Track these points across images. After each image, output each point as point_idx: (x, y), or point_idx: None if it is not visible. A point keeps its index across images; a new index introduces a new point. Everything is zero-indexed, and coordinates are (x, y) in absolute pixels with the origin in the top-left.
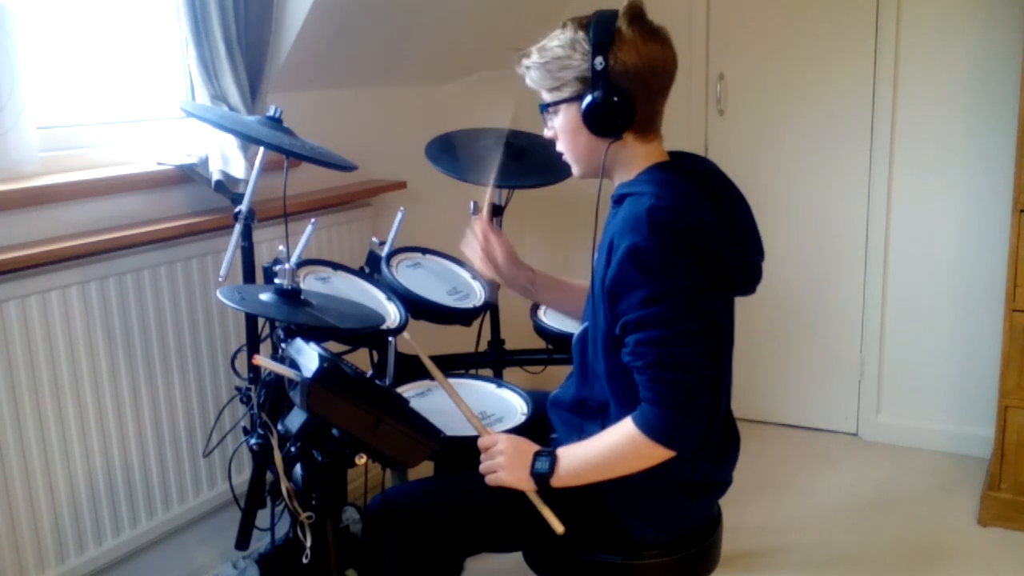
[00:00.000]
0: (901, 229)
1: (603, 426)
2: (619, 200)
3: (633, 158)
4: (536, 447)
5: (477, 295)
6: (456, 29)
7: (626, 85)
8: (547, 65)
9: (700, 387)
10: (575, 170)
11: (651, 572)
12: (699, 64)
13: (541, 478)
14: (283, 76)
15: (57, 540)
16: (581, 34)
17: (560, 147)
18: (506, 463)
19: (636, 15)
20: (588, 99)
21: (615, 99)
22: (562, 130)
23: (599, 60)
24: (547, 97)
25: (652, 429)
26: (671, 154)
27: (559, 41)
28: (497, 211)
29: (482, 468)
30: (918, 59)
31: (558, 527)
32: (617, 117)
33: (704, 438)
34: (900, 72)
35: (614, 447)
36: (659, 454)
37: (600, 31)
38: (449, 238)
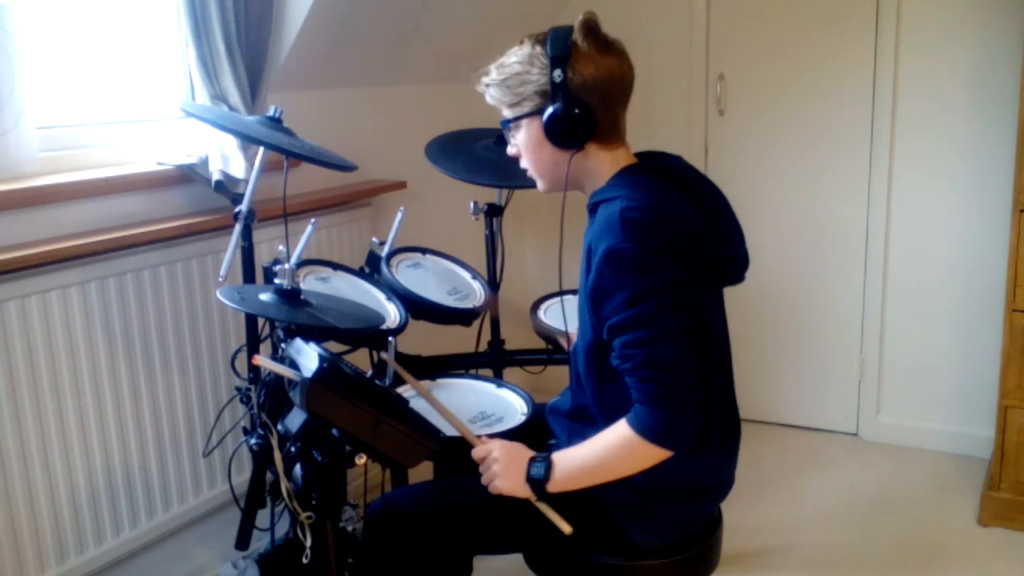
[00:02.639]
0: (901, 229)
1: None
2: (593, 209)
3: (599, 167)
4: (531, 453)
5: (477, 295)
6: (456, 29)
7: (585, 96)
8: (506, 81)
9: (690, 384)
10: (540, 185)
11: (651, 573)
12: (699, 64)
13: (537, 483)
14: (283, 76)
15: (57, 540)
16: (538, 49)
17: (524, 163)
18: (501, 471)
19: (591, 29)
20: (549, 111)
21: (576, 111)
22: (525, 146)
23: (557, 73)
24: (508, 113)
25: (646, 429)
26: (641, 155)
27: (517, 57)
28: (497, 211)
29: (484, 480)
30: (918, 59)
31: (565, 528)
32: (578, 128)
33: (700, 436)
34: (900, 72)
35: (610, 449)
36: (655, 454)
37: (557, 45)
38: (449, 238)
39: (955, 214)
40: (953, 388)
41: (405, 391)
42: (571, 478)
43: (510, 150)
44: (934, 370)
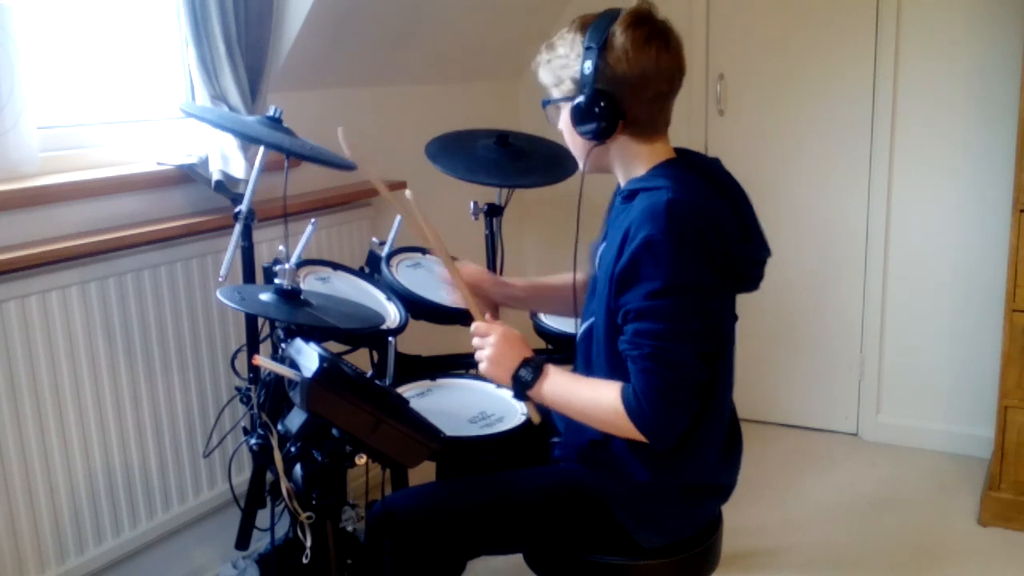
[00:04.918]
0: (901, 229)
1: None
2: (630, 196)
3: (636, 157)
4: (529, 353)
5: None
6: (456, 29)
7: (614, 90)
8: (551, 63)
9: (689, 387)
10: (580, 167)
11: (651, 573)
12: (699, 64)
13: (520, 384)
14: (283, 76)
15: (57, 540)
16: (579, 36)
17: (566, 142)
18: (493, 355)
19: (636, 20)
20: (573, 103)
21: (601, 104)
22: (563, 127)
23: (588, 64)
24: (553, 93)
25: (635, 414)
26: (677, 151)
27: (563, 40)
28: (497, 211)
29: (475, 356)
30: (918, 59)
31: (535, 417)
32: (599, 122)
33: (685, 438)
34: (900, 72)
35: (597, 405)
36: (633, 435)
37: (595, 35)
38: (449, 238)
39: (955, 214)
40: (953, 388)
41: (406, 391)
42: (552, 400)
43: (557, 128)
44: (934, 370)
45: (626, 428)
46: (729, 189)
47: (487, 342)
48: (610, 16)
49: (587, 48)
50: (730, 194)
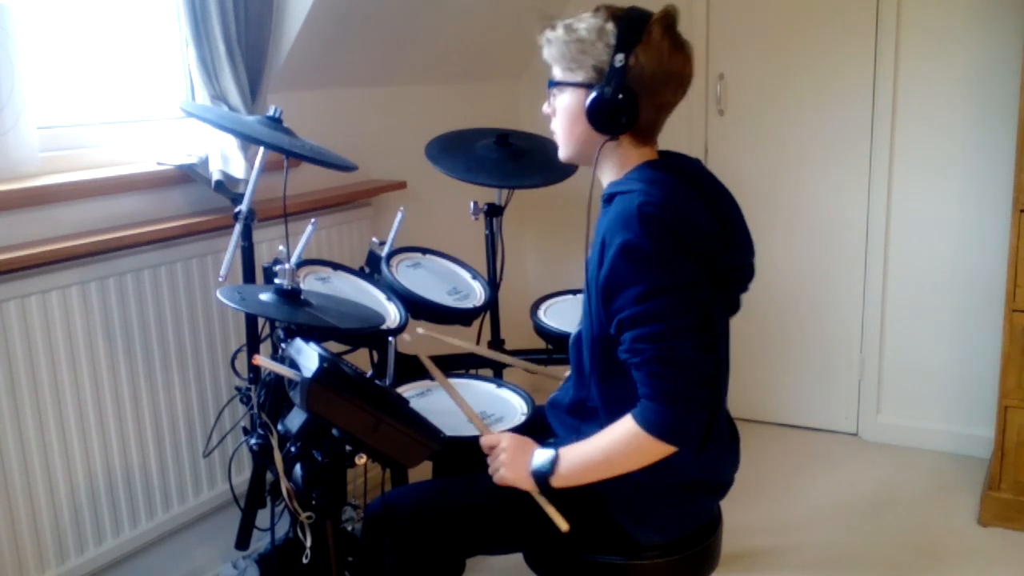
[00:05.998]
0: (901, 229)
1: (601, 427)
2: (608, 199)
3: (624, 159)
4: (537, 446)
5: (477, 295)
6: (456, 29)
7: (638, 88)
8: (569, 44)
9: (699, 381)
10: (561, 152)
11: (651, 572)
12: (699, 64)
13: (541, 476)
14: (283, 76)
15: (57, 540)
16: (611, 25)
17: (554, 126)
18: (507, 460)
19: (670, 23)
20: (596, 92)
21: (622, 98)
22: (563, 111)
23: (620, 57)
24: (558, 75)
25: (653, 425)
26: (660, 153)
27: (587, 24)
28: (497, 211)
29: (490, 470)
30: (918, 58)
31: (563, 525)
32: (620, 116)
33: (705, 433)
34: (900, 72)
35: (616, 445)
36: (661, 450)
37: (631, 28)
38: (449, 238)
39: (955, 214)
40: (953, 388)
41: (406, 391)
42: (575, 472)
43: (545, 108)
44: (934, 370)
45: (653, 448)
46: (710, 190)
47: (499, 450)
48: (643, 13)
49: (622, 40)
50: (711, 195)
